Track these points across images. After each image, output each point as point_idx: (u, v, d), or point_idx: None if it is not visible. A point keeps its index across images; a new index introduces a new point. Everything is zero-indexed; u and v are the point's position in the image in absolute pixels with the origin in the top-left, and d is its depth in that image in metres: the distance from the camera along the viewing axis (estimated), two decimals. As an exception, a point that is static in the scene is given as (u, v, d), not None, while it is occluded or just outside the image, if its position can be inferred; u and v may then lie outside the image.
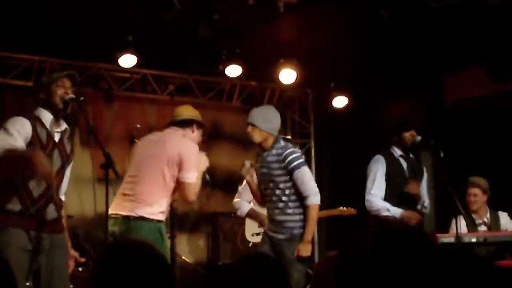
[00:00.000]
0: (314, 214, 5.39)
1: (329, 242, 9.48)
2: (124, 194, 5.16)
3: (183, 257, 8.28)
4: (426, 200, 6.23)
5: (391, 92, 8.35)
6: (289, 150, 5.43)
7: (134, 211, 5.03)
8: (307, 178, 5.43)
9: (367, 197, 6.13)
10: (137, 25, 7.34)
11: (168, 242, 6.07)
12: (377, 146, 6.46)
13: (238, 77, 8.71)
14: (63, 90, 4.51)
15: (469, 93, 8.21)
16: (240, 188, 7.01)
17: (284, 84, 8.90)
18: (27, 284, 4.26)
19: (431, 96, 8.51)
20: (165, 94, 8.82)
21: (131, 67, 8.19)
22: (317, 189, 5.48)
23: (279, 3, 6.77)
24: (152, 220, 5.04)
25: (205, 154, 5.40)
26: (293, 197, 5.43)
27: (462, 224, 5.86)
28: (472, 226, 6.63)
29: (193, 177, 5.17)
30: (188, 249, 8.83)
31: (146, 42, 7.86)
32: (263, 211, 6.10)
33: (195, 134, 5.36)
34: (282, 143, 5.52)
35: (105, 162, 4.44)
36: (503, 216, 6.75)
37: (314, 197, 5.40)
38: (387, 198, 6.09)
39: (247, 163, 5.77)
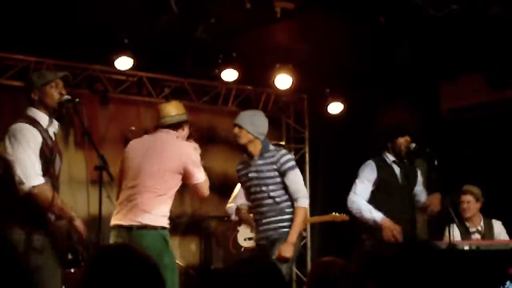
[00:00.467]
0: (301, 216, 5.41)
1: (322, 248, 9.47)
2: (125, 204, 5.07)
3: (176, 261, 8.25)
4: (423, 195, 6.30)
5: (387, 99, 8.36)
6: (282, 152, 5.51)
7: (136, 219, 4.93)
8: (299, 180, 5.48)
9: (351, 196, 6.15)
10: (134, 27, 7.33)
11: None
12: (372, 152, 6.47)
13: (234, 81, 8.70)
14: (58, 91, 4.48)
15: (466, 101, 8.22)
16: (234, 192, 7.02)
17: (280, 89, 8.90)
18: None
19: (427, 103, 8.52)
20: (161, 97, 8.81)
21: (127, 70, 8.18)
22: (307, 193, 5.53)
23: (276, 8, 6.76)
24: (155, 227, 4.95)
25: (194, 141, 5.33)
26: (283, 198, 5.46)
27: (455, 232, 5.87)
28: (465, 234, 6.64)
29: (201, 176, 5.15)
30: (180, 253, 8.80)
31: (143, 45, 7.86)
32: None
33: (185, 132, 5.30)
34: (272, 147, 5.57)
35: (99, 164, 4.43)
36: (497, 224, 6.76)
37: (304, 200, 5.44)
38: (376, 205, 6.09)
39: (244, 208, 6.18)
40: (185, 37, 7.03)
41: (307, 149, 9.92)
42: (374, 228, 6.01)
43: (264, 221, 5.49)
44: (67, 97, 4.48)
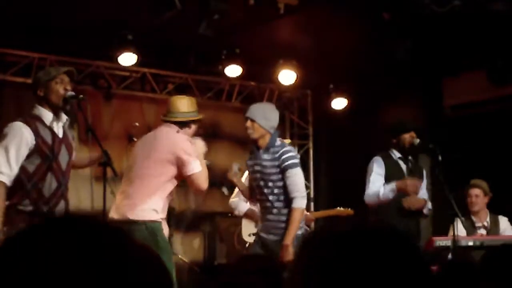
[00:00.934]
0: (297, 217, 5.26)
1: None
2: (119, 195, 5.12)
3: (179, 256, 8.27)
4: (428, 202, 6.25)
5: (391, 94, 8.35)
6: (285, 149, 5.38)
7: (126, 214, 4.91)
8: (298, 179, 5.35)
9: (366, 193, 6.15)
10: (137, 23, 7.33)
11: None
12: (376, 148, 6.46)
13: (237, 77, 8.70)
14: (63, 87, 4.48)
15: (469, 97, 8.21)
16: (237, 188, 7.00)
17: (284, 85, 8.90)
18: None
19: (430, 99, 8.51)
20: (164, 93, 8.81)
21: (131, 66, 8.18)
22: (305, 194, 5.43)
23: (279, 4, 6.76)
24: (144, 222, 4.86)
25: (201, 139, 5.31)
26: (284, 197, 5.36)
27: (460, 228, 5.85)
28: (471, 228, 6.61)
29: (196, 166, 5.03)
30: (184, 248, 8.82)
31: (146, 41, 7.86)
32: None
33: (191, 130, 5.26)
34: (279, 142, 5.47)
35: (103, 160, 4.44)
36: (503, 220, 6.74)
37: (301, 200, 5.30)
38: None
39: (235, 167, 5.81)
40: (189, 33, 7.02)
41: (311, 145, 9.92)
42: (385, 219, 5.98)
43: (267, 216, 5.46)
44: (71, 93, 4.49)
